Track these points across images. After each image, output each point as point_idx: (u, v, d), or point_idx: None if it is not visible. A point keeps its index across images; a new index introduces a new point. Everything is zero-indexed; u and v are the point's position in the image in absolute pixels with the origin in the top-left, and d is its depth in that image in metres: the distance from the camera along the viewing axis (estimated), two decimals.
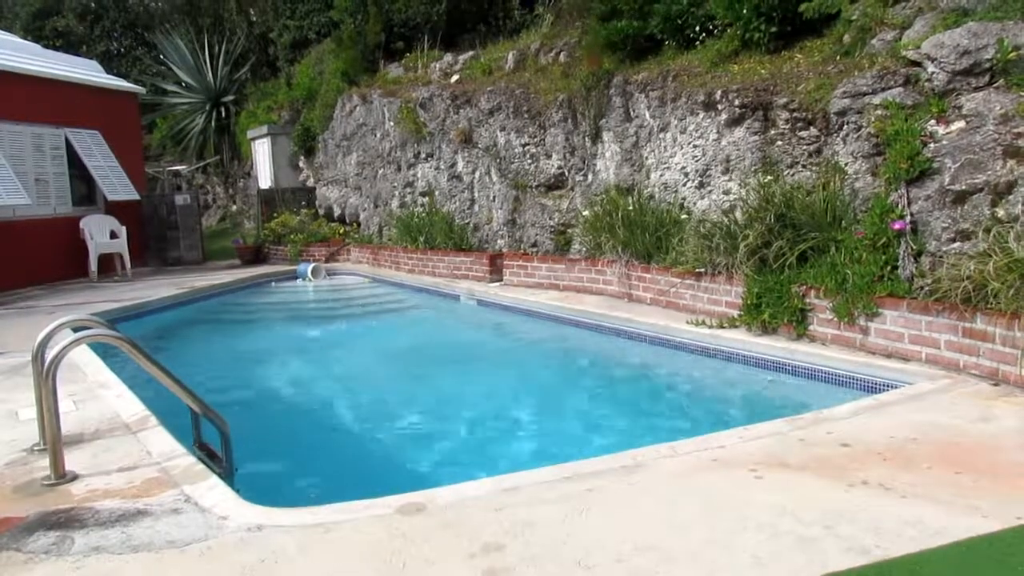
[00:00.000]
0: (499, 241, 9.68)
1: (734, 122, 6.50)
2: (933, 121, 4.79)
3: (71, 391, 4.67)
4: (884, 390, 4.35)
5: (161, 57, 18.21)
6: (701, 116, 6.88)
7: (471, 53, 11.46)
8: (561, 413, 5.33)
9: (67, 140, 11.71)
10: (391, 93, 11.72)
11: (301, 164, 14.68)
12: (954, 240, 4.58)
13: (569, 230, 8.69)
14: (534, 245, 9.12)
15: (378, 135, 12.01)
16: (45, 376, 3.21)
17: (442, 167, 10.66)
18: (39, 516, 2.91)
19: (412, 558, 2.43)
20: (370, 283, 10.90)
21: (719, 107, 6.63)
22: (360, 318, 9.40)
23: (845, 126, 5.60)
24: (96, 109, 12.37)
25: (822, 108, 5.81)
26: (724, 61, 7.02)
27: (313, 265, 11.49)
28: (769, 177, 5.93)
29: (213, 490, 3.07)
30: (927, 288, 4.50)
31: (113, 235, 11.78)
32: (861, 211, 5.38)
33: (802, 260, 5.42)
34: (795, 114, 6.02)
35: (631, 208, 7.26)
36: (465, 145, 10.19)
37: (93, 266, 11.28)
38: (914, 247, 4.72)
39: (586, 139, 8.42)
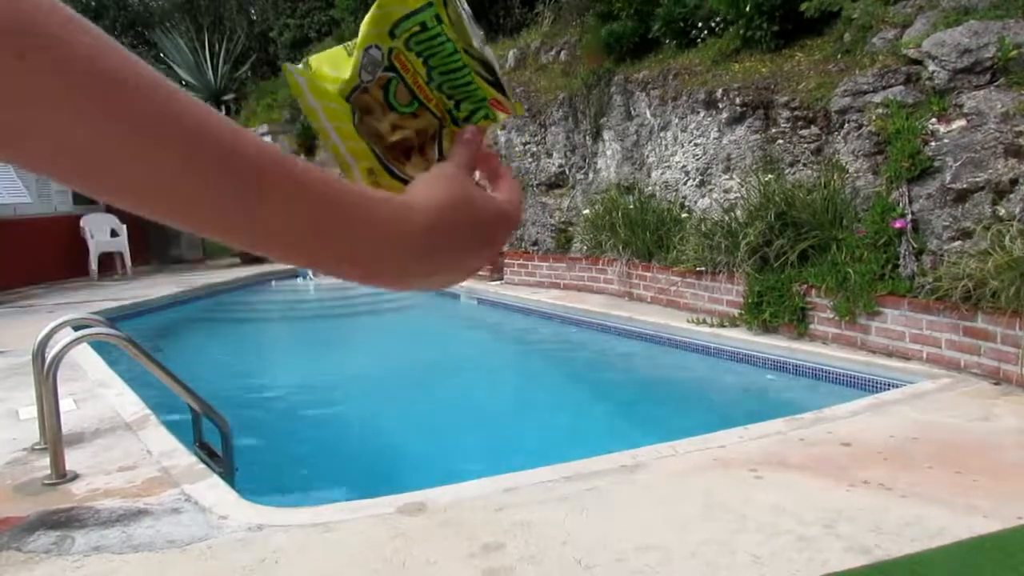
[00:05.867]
0: None
1: (735, 120, 6.50)
2: (934, 119, 4.78)
3: (72, 390, 4.68)
4: (885, 389, 4.34)
5: (161, 55, 18.19)
6: (702, 115, 6.87)
7: None
8: (561, 412, 5.32)
9: None
10: None
11: None
12: (955, 239, 4.58)
13: (570, 228, 8.68)
14: (535, 244, 9.12)
15: None
16: (46, 375, 3.21)
17: None
18: (40, 515, 2.91)
19: (412, 558, 2.43)
20: None
21: (720, 106, 6.63)
22: (360, 316, 9.40)
23: (846, 124, 5.59)
24: None
25: (823, 107, 5.80)
26: (725, 60, 7.01)
27: None
28: (770, 176, 5.93)
29: (213, 489, 3.07)
30: (928, 287, 4.50)
31: (113, 233, 11.79)
32: (862, 209, 5.38)
33: (803, 259, 5.41)
34: (796, 112, 6.02)
35: (632, 207, 7.26)
36: None
37: (93, 265, 11.29)
38: (915, 246, 4.71)
39: (587, 137, 8.41)
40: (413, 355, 7.22)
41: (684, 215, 6.94)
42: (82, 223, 11.45)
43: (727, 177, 6.68)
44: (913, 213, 4.75)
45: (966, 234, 4.52)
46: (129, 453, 3.57)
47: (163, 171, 0.38)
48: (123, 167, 0.37)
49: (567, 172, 8.80)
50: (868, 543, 2.40)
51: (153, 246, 13.10)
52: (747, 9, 6.65)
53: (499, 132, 9.52)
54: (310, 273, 11.26)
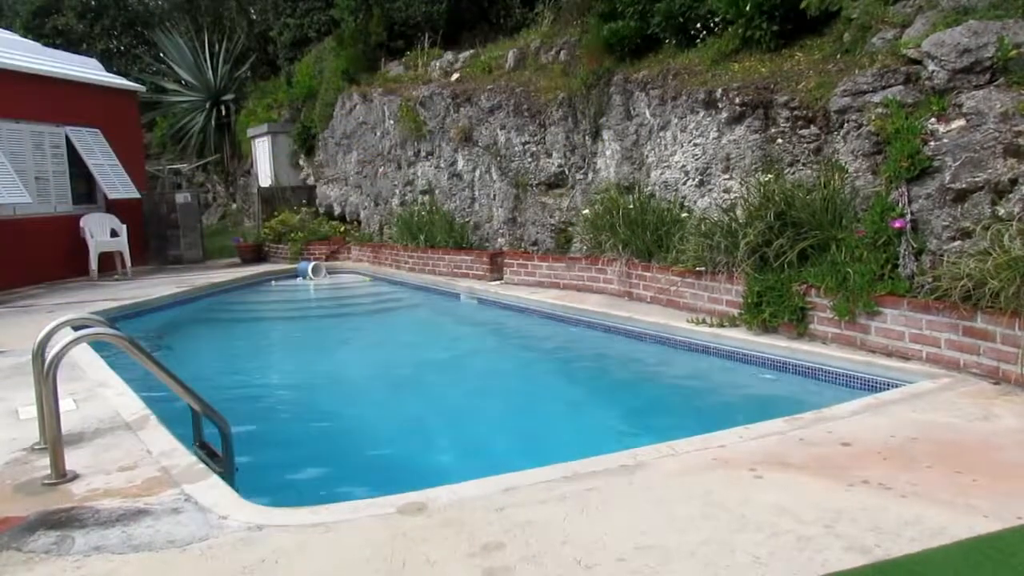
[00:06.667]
0: (500, 239, 9.67)
1: (734, 120, 6.50)
2: (933, 119, 4.78)
3: (71, 390, 4.67)
4: (884, 389, 4.35)
5: (161, 55, 18.20)
6: (701, 114, 6.87)
7: (471, 51, 11.45)
8: (561, 412, 5.33)
9: (67, 138, 11.70)
10: (391, 91, 11.72)
11: (301, 162, 14.67)
12: (955, 238, 4.58)
13: (569, 228, 8.68)
14: (535, 244, 9.12)
15: (378, 133, 12.01)
16: (45, 375, 3.21)
17: (442, 165, 10.66)
18: (39, 515, 2.91)
19: (412, 558, 2.43)
20: (371, 282, 10.90)
21: (719, 105, 6.63)
22: (360, 316, 9.40)
23: (845, 124, 5.60)
24: (96, 107, 12.36)
25: (822, 106, 5.80)
26: (725, 59, 7.01)
27: (314, 263, 11.49)
28: (769, 175, 5.93)
29: (213, 489, 3.07)
30: (928, 287, 4.50)
31: (113, 233, 11.79)
32: (861, 209, 5.38)
33: (803, 259, 5.41)
34: (795, 112, 6.02)
35: (631, 207, 7.26)
36: (465, 143, 10.18)
37: (93, 264, 11.28)
38: (915, 245, 4.71)
39: (586, 137, 8.41)
40: (413, 355, 7.22)
41: (684, 215, 6.95)
42: (82, 223, 11.45)
43: (727, 177, 6.69)
44: (912, 213, 4.75)
45: (965, 234, 4.52)
46: (129, 453, 3.57)
47: None
48: None
49: (567, 172, 8.80)
50: (868, 543, 2.41)
51: (153, 246, 13.09)
52: (747, 9, 6.65)
53: (499, 131, 9.53)
54: (309, 272, 11.26)
